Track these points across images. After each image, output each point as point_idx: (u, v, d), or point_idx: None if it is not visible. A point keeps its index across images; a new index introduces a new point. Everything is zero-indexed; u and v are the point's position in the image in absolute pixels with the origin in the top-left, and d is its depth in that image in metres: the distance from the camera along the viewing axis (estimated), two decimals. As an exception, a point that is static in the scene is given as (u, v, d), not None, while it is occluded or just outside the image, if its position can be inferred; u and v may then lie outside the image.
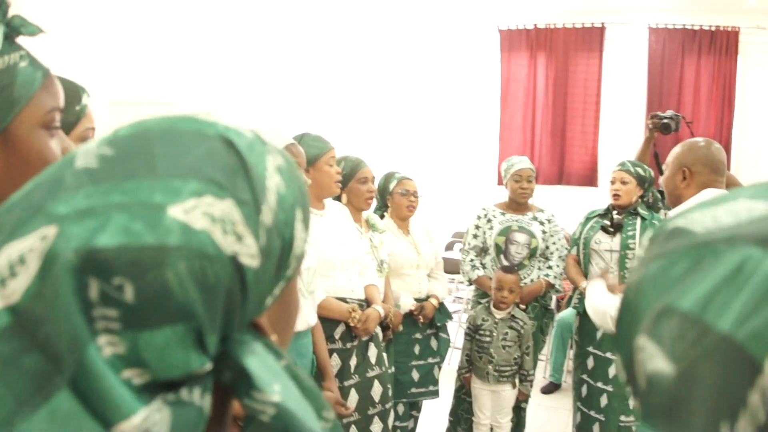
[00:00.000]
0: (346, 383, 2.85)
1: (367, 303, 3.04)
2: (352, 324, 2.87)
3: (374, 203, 3.88)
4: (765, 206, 0.38)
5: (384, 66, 6.70)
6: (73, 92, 1.53)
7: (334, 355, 2.85)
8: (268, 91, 6.36)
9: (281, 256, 0.59)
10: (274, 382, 0.56)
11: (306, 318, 2.53)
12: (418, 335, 3.64)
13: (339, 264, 2.92)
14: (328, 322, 2.82)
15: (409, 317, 3.60)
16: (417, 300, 3.66)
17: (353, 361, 2.89)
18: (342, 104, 6.61)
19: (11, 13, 0.97)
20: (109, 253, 0.51)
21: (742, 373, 0.32)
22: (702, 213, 0.42)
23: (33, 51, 1.00)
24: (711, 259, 0.38)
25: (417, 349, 3.63)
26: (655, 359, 0.38)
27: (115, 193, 0.53)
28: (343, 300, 2.90)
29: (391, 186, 3.81)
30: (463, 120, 6.93)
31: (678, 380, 0.36)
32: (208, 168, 0.56)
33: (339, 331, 2.87)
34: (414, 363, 3.61)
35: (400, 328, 3.48)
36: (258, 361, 0.56)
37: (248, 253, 0.55)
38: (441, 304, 3.72)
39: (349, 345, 2.90)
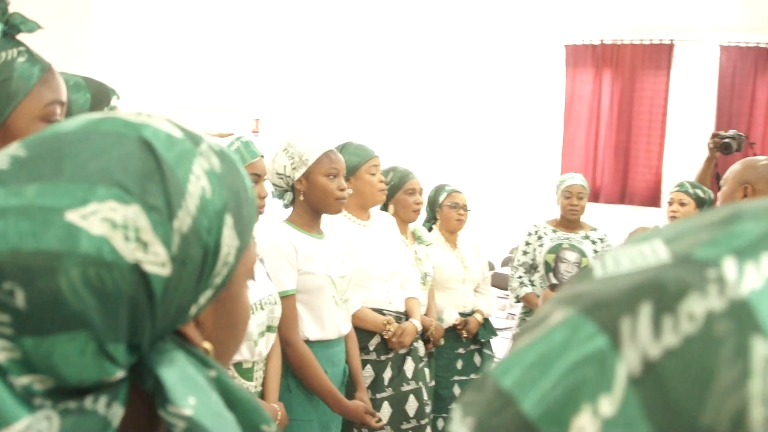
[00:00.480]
0: (378, 396, 2.80)
1: (406, 316, 2.99)
2: (386, 336, 2.83)
3: (424, 215, 3.86)
4: (659, 256, 0.34)
5: (445, 78, 6.67)
6: (103, 94, 1.56)
7: (368, 366, 2.82)
8: (323, 98, 6.42)
9: (203, 264, 0.57)
10: (189, 395, 0.54)
11: (338, 326, 2.51)
12: (461, 350, 3.59)
13: (377, 275, 2.89)
14: (363, 332, 2.79)
15: (453, 332, 3.55)
16: (462, 315, 3.61)
17: (387, 374, 2.85)
18: (400, 115, 6.61)
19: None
20: (0, 257, 0.50)
21: None
22: (627, 249, 0.38)
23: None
24: (554, 323, 0.36)
25: (459, 365, 3.57)
26: (457, 418, 0.36)
27: (16, 196, 0.52)
28: (380, 311, 2.86)
29: (441, 198, 3.78)
30: (524, 135, 6.84)
31: None
32: (118, 172, 0.54)
33: (374, 342, 2.84)
34: (456, 378, 3.56)
35: (442, 341, 3.44)
36: (174, 372, 0.55)
37: (155, 260, 0.53)
38: (486, 320, 3.67)
39: (383, 357, 2.85)
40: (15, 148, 0.56)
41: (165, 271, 0.54)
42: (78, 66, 1.62)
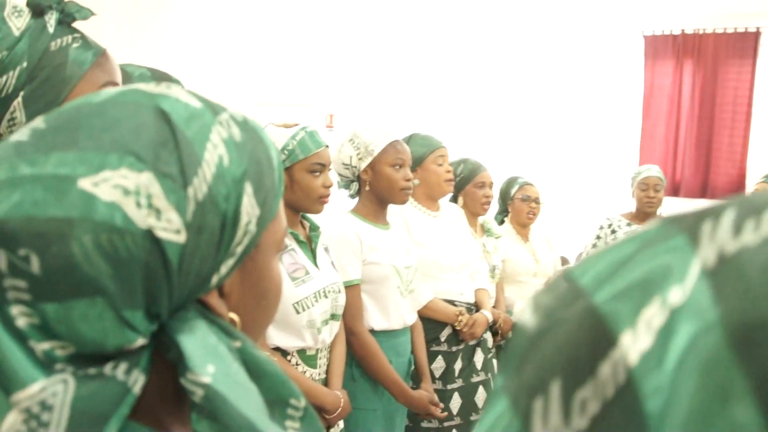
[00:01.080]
0: (449, 387, 2.79)
1: (476, 307, 2.96)
2: (458, 327, 2.81)
3: (495, 208, 3.82)
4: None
5: (521, 71, 6.58)
6: (165, 81, 1.58)
7: (439, 357, 2.80)
8: (396, 93, 6.42)
9: (222, 232, 0.57)
10: (208, 363, 0.54)
11: (403, 316, 2.50)
12: (531, 344, 3.54)
13: (448, 266, 2.86)
14: (434, 323, 2.78)
15: (525, 326, 3.51)
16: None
17: (458, 365, 2.83)
18: (473, 108, 6.55)
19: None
20: (15, 224, 0.51)
21: (597, 342, 0.31)
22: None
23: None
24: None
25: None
26: (527, 311, 0.36)
27: (32, 166, 0.53)
28: (451, 302, 2.84)
29: (513, 191, 3.75)
30: (601, 128, 6.68)
31: (535, 332, 0.34)
32: (132, 141, 0.54)
33: (445, 333, 2.82)
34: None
35: (510, 334, 3.39)
36: (194, 340, 0.55)
37: (168, 227, 0.53)
38: (558, 314, 3.60)
39: (454, 348, 2.83)
40: (37, 122, 0.57)
41: (180, 238, 0.54)
42: (152, 62, 1.66)
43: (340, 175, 2.54)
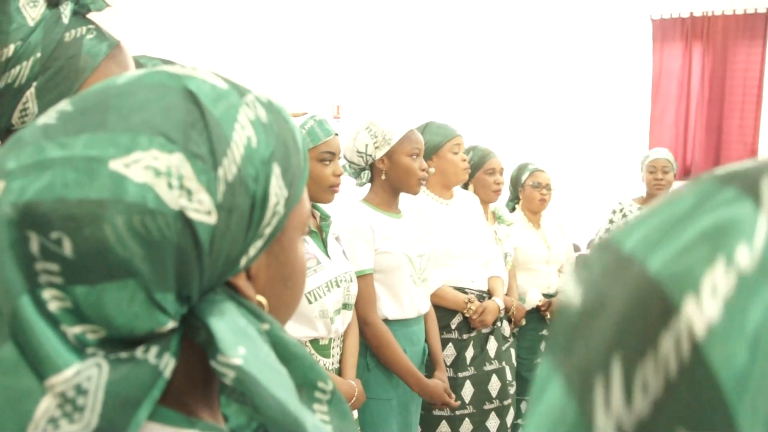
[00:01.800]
0: (460, 374, 2.77)
1: (489, 295, 2.95)
2: (467, 315, 2.79)
3: (506, 195, 3.80)
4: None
5: (528, 55, 6.54)
6: None
7: (450, 345, 2.79)
8: (403, 84, 6.39)
9: (251, 213, 0.57)
10: (239, 345, 0.54)
11: (417, 305, 2.49)
12: (545, 332, 3.52)
13: (459, 253, 2.85)
14: (444, 311, 2.77)
15: (537, 313, 3.51)
16: (546, 296, 3.55)
17: (469, 353, 2.81)
18: (480, 93, 6.52)
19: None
20: (46, 207, 0.50)
21: (656, 311, 0.28)
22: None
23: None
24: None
25: (543, 346, 3.50)
26: (569, 287, 0.34)
27: (62, 148, 0.52)
28: (462, 290, 2.83)
29: (524, 178, 3.73)
30: (609, 112, 6.63)
31: (584, 309, 0.32)
32: (161, 122, 0.54)
33: (455, 321, 2.80)
34: (540, 360, 3.49)
35: (523, 322, 3.39)
36: (224, 322, 0.55)
37: (200, 208, 0.53)
38: (571, 301, 3.58)
39: (465, 336, 2.82)
40: (63, 104, 0.57)
41: (211, 219, 0.54)
42: (162, 53, 1.66)
43: (350, 163, 2.53)
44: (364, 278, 2.34)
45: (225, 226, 0.55)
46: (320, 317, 2.07)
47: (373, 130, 2.46)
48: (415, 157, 2.45)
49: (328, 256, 2.16)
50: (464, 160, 2.91)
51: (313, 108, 5.47)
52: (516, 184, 3.77)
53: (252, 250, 0.59)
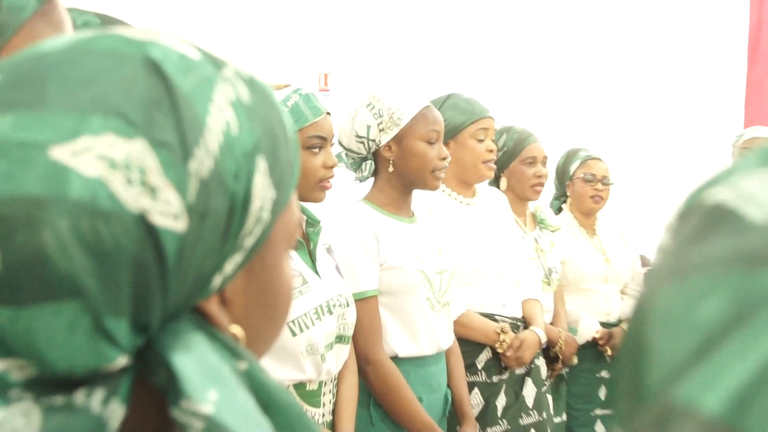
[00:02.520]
0: (489, 430, 2.79)
1: (524, 323, 2.97)
2: (500, 350, 2.81)
3: (552, 191, 3.82)
4: None
5: (578, 2, 6.55)
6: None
7: (476, 390, 2.81)
8: (410, 46, 6.37)
9: (230, 219, 0.58)
10: (209, 388, 0.54)
11: (436, 338, 2.51)
12: (604, 374, 3.54)
13: (487, 269, 2.88)
14: (468, 344, 2.78)
15: (593, 348, 3.52)
16: (604, 325, 3.56)
17: (501, 401, 2.84)
18: (511, 56, 6.49)
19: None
20: None
21: None
22: (764, 179, 0.37)
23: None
24: (764, 308, 0.33)
25: (603, 393, 3.53)
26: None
27: None
28: (491, 317, 2.85)
29: (573, 168, 3.74)
30: (691, 79, 6.63)
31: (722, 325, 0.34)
32: (117, 99, 0.54)
33: (483, 358, 2.83)
34: (599, 412, 3.52)
35: (575, 360, 3.40)
36: (191, 359, 0.55)
37: (166, 210, 0.54)
38: (638, 332, 3.61)
39: (496, 378, 2.84)
40: None
41: (179, 225, 0.54)
42: (122, 10, 1.69)
43: (348, 151, 2.55)
44: (365, 302, 2.35)
45: (196, 234, 0.55)
46: (308, 354, 2.08)
47: (377, 108, 2.48)
48: (432, 142, 2.47)
49: (317, 273, 2.17)
50: (491, 151, 2.91)
51: (294, 78, 5.49)
52: (563, 176, 3.78)
53: (229, 267, 0.59)
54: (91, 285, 0.51)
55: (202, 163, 0.56)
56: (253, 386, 0.58)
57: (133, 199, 0.53)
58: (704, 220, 0.38)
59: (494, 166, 3.00)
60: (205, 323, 0.59)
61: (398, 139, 2.47)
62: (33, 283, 0.51)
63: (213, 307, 0.60)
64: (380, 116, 2.47)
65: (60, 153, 0.52)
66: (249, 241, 0.60)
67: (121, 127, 0.53)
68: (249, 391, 0.57)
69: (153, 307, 0.55)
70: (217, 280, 0.59)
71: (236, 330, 0.62)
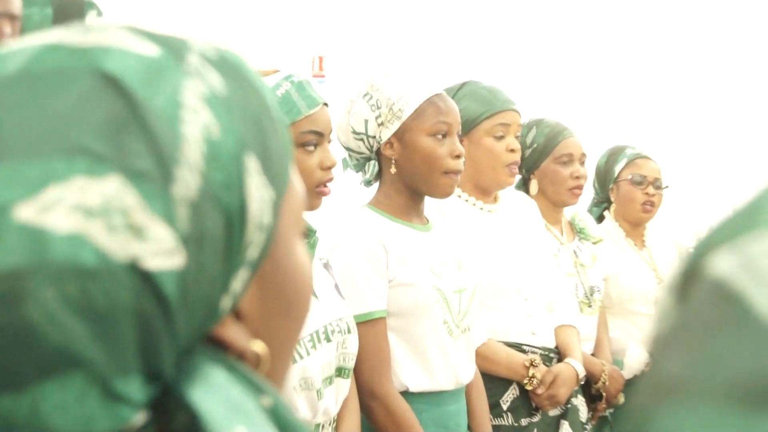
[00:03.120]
0: (519, 484, 2.82)
1: (558, 355, 2.98)
2: (529, 387, 2.81)
3: (592, 195, 3.82)
4: None
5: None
6: (72, 8, 1.62)
7: (501, 434, 2.82)
8: (418, 26, 6.38)
9: (228, 236, 0.59)
10: (235, 425, 0.56)
11: (455, 370, 2.51)
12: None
13: (513, 289, 2.87)
14: (491, 381, 2.78)
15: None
16: (655, 356, 3.56)
17: (532, 449, 2.84)
18: (544, 37, 6.50)
19: None
20: None
21: None
22: None
23: None
24: None
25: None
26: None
27: None
28: (518, 347, 2.85)
29: (618, 168, 3.75)
30: (753, 64, 6.63)
31: None
32: (79, 132, 0.55)
33: (509, 397, 2.83)
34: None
35: (621, 399, 3.40)
36: (214, 396, 0.57)
37: (158, 249, 0.55)
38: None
39: (525, 422, 2.85)
40: None
41: (176, 261, 0.56)
42: None
43: (349, 150, 2.56)
44: (371, 325, 2.35)
45: (197, 265, 0.57)
46: (301, 389, 2.09)
47: (375, 97, 2.47)
48: (441, 136, 2.45)
49: (312, 293, 2.17)
50: (512, 151, 2.89)
51: (285, 61, 5.50)
52: (606, 178, 3.79)
53: (237, 284, 0.61)
54: (91, 351, 0.53)
55: (187, 183, 0.56)
56: (278, 424, 0.59)
57: (119, 247, 0.54)
58: (707, 302, 0.39)
59: (516, 171, 2.99)
60: (222, 353, 0.61)
61: (401, 134, 2.47)
62: (28, 363, 0.52)
63: (228, 331, 0.62)
64: (378, 108, 2.47)
65: (27, 212, 0.53)
66: (254, 252, 0.61)
67: (89, 166, 0.54)
68: (275, 430, 0.59)
69: (163, 355, 0.56)
70: (226, 303, 0.61)
71: (258, 347, 0.64)
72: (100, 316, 0.53)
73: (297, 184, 0.69)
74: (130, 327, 0.54)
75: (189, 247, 0.56)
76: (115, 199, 0.54)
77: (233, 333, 0.62)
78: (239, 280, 0.61)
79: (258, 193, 0.61)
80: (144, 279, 0.54)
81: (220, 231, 0.58)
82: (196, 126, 0.58)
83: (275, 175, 0.63)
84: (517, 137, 2.96)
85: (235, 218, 0.59)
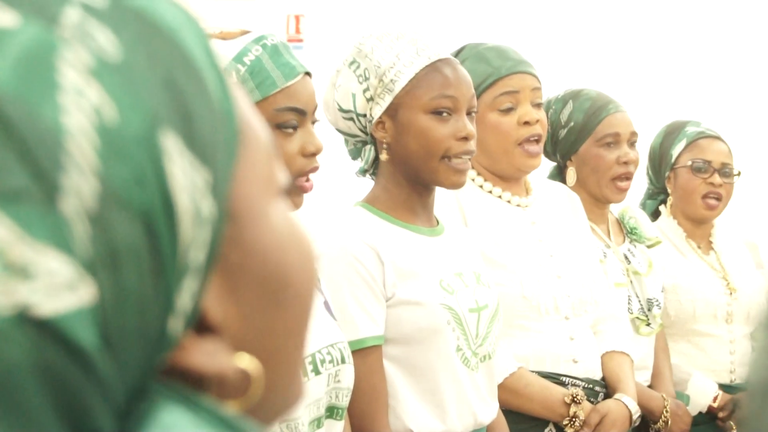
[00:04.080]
0: None
1: (606, 388, 3.00)
2: (570, 431, 2.83)
3: (645, 186, 3.83)
4: None
5: None
6: None
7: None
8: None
9: (153, 244, 0.57)
10: None
11: (472, 409, 2.52)
12: (726, 457, 3.56)
13: (550, 306, 2.88)
14: (522, 421, 2.81)
15: (711, 423, 3.55)
16: (726, 388, 3.59)
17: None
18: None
19: None
20: None
21: None
22: None
23: None
24: None
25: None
26: None
27: None
28: (556, 379, 2.87)
29: (676, 151, 3.75)
30: None
31: None
32: None
33: (546, 438, 2.86)
34: None
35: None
36: None
37: (53, 286, 0.53)
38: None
39: (564, 471, 2.87)
40: None
41: (81, 295, 0.53)
42: None
43: (341, 132, 2.57)
44: (363, 356, 2.35)
45: (115, 292, 0.55)
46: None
47: (363, 65, 2.46)
48: (446, 113, 2.44)
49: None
50: (526, 123, 2.88)
51: (255, 21, 5.52)
52: (661, 164, 3.80)
53: (185, 299, 0.60)
54: None
55: (79, 192, 0.54)
56: None
57: (2, 296, 0.51)
58: None
59: (537, 150, 2.96)
60: (183, 389, 0.60)
61: (393, 111, 2.46)
62: None
63: (192, 355, 0.61)
64: (366, 79, 2.46)
65: None
66: (198, 254, 0.60)
67: None
68: None
69: (94, 413, 0.56)
70: (176, 324, 0.60)
71: (244, 362, 0.63)
72: None
73: (256, 132, 0.67)
74: (35, 392, 0.52)
75: (97, 273, 0.54)
76: None
77: (201, 355, 0.61)
78: (186, 293, 0.59)
79: (185, 178, 0.58)
80: (40, 329, 0.52)
81: (139, 241, 0.56)
82: (81, 112, 0.54)
83: (208, 148, 0.60)
84: (537, 105, 2.95)
85: (157, 220, 0.57)
